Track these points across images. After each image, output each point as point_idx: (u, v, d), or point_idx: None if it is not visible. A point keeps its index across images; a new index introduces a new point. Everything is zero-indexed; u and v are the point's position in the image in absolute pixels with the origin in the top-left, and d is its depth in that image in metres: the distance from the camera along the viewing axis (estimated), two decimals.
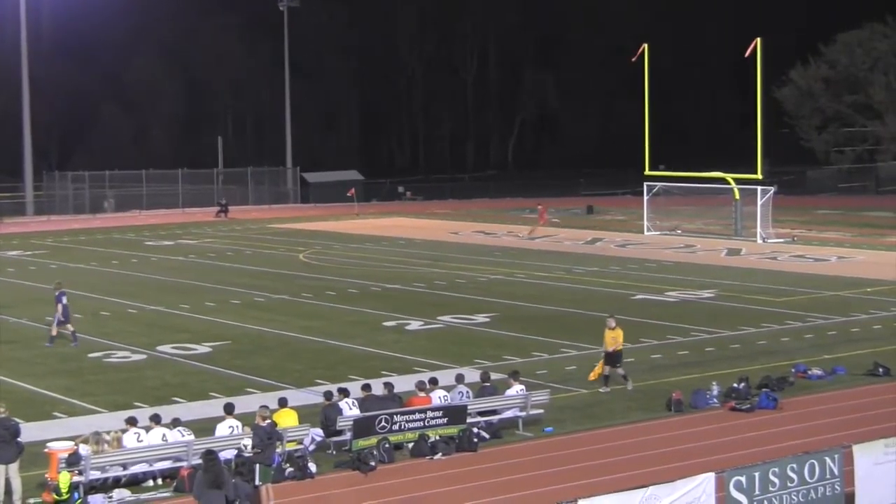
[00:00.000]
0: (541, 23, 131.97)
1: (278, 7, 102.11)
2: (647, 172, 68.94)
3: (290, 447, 23.62)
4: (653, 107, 68.24)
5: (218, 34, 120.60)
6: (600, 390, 29.66)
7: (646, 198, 69.40)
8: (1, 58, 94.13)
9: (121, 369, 33.26)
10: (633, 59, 68.66)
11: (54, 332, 36.47)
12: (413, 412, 25.04)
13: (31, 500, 21.88)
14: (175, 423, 23.80)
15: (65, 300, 36.59)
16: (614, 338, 29.92)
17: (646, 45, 67.83)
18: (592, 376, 30.52)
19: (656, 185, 69.49)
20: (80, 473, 21.78)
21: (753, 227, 64.07)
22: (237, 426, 23.55)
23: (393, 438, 24.42)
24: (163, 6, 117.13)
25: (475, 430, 25.43)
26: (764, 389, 28.76)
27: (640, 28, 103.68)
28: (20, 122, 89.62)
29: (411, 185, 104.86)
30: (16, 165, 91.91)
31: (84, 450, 22.17)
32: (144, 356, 34.80)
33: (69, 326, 36.60)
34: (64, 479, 21.43)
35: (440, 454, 24.44)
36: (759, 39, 62.88)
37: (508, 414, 26.50)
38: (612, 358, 29.93)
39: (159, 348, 35.71)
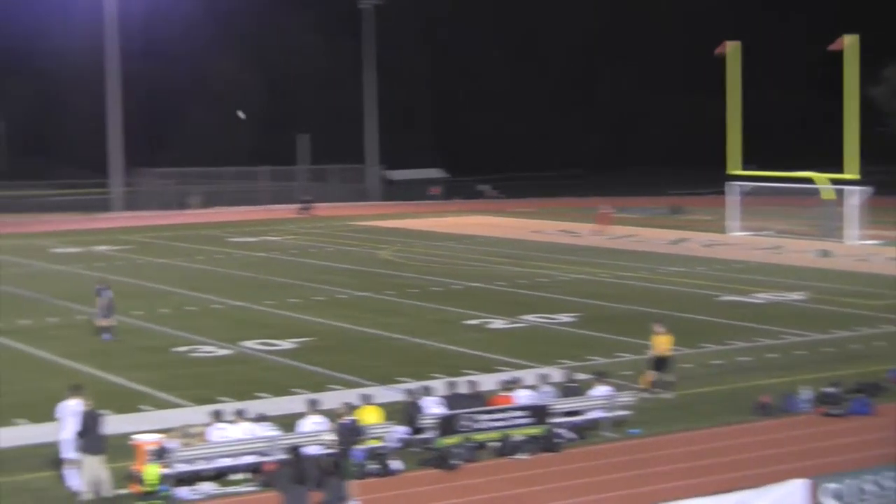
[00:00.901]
0: (623, 17, 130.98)
1: (360, 6, 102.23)
2: (733, 171, 68.03)
3: (373, 444, 23.47)
4: (739, 104, 67.31)
5: (300, 31, 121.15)
6: (647, 396, 28.95)
7: (732, 197, 68.51)
8: (90, 57, 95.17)
9: (205, 364, 33.39)
10: (718, 53, 67.75)
11: (104, 324, 36.81)
12: (496, 411, 24.84)
13: (119, 492, 21.92)
14: (259, 417, 23.78)
15: (109, 294, 36.95)
16: (663, 343, 29.44)
17: (732, 42, 66.95)
18: (644, 384, 29.72)
19: (744, 185, 68.56)
20: (169, 466, 21.80)
21: (845, 228, 62.94)
22: (321, 422, 23.46)
23: (476, 437, 24.20)
24: (247, 4, 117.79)
25: (559, 430, 25.12)
26: (858, 394, 28.06)
27: (725, 21, 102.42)
28: (110, 119, 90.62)
29: (494, 182, 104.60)
30: (105, 162, 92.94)
31: (172, 443, 22.20)
32: (229, 351, 34.91)
33: (107, 321, 36.91)
34: (152, 472, 21.48)
35: (523, 454, 24.18)
36: (849, 36, 61.79)
37: (593, 415, 26.15)
38: (661, 364, 29.40)
39: (243, 343, 35.79)
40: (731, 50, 67.20)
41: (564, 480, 22.70)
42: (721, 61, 67.70)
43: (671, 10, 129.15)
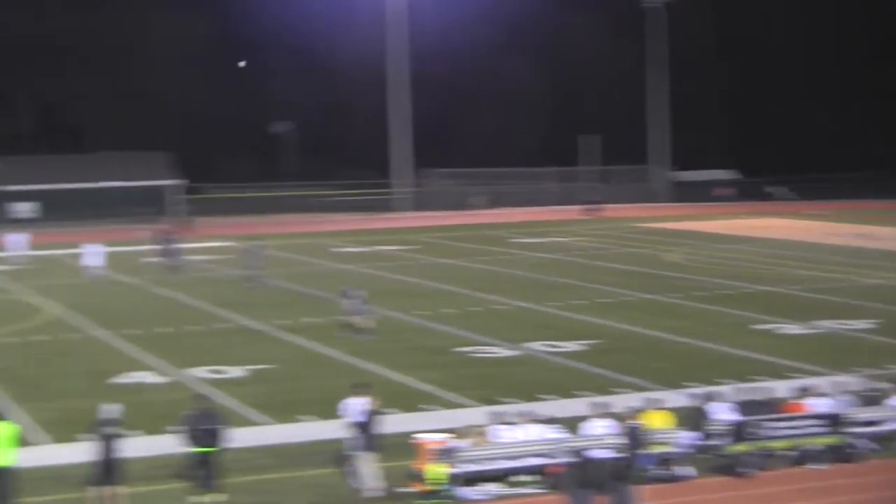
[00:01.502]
0: None
1: (644, 5, 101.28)
2: None
3: (660, 449, 22.70)
4: None
5: (588, 31, 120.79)
6: None
7: None
8: (377, 58, 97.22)
9: (488, 364, 33.22)
10: None
11: (361, 325, 37.19)
12: (788, 419, 23.75)
13: (400, 490, 21.82)
14: (542, 419, 23.33)
15: (358, 296, 37.58)
16: None
17: None
18: None
19: None
20: (454, 465, 21.57)
21: None
22: (607, 425, 22.82)
23: (766, 445, 23.13)
24: (533, 5, 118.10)
25: (856, 440, 23.74)
26: None
27: None
28: (392, 120, 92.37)
29: (787, 184, 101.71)
30: (394, 163, 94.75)
31: (460, 443, 21.97)
32: (512, 352, 34.65)
33: (358, 320, 37.30)
34: (436, 471, 21.32)
35: (818, 464, 23.01)
36: None
37: (894, 425, 24.61)
38: None
39: (527, 345, 35.47)
40: None
41: (863, 493, 21.49)
42: None
43: None
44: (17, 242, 60.28)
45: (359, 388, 22.86)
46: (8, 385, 31.23)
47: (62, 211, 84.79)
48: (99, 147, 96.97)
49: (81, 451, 21.66)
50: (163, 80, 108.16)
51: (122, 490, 20.91)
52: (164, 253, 55.70)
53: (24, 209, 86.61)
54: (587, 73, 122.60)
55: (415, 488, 21.67)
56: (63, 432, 25.96)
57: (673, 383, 29.83)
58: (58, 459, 23.90)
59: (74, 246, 57.74)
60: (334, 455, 22.99)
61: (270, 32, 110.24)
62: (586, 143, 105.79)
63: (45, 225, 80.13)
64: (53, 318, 42.49)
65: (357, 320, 37.47)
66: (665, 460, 22.60)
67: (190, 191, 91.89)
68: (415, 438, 22.52)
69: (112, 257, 56.42)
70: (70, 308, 44.45)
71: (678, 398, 27.29)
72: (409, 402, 28.45)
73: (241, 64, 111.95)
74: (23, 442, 22.08)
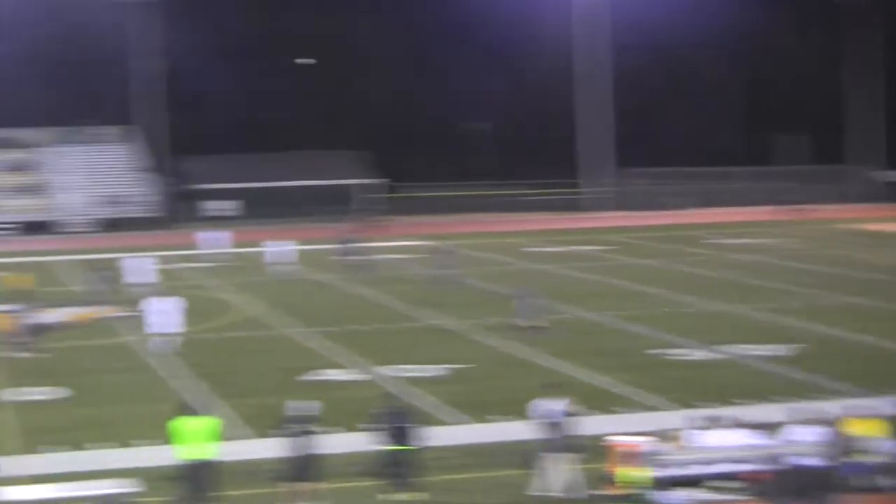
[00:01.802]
0: None
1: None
2: None
3: (867, 458, 21.86)
4: None
5: (784, 29, 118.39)
6: None
7: None
8: (573, 55, 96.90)
9: (683, 366, 32.65)
10: None
11: (534, 325, 37.07)
12: None
13: (592, 493, 21.50)
14: (743, 424, 22.68)
15: (526, 297, 37.65)
16: None
17: None
18: None
19: None
20: (656, 469, 21.19)
21: None
22: (810, 432, 22.09)
23: None
24: (727, 3, 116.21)
25: None
26: None
27: None
28: (591, 117, 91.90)
29: None
30: (584, 162, 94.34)
31: (658, 446, 21.58)
32: (708, 354, 33.98)
33: (529, 322, 37.21)
34: (629, 474, 20.98)
35: None
36: None
37: None
38: None
39: (724, 347, 34.76)
40: None
41: None
42: None
43: None
44: (217, 240, 61.71)
45: (549, 389, 22.62)
46: (205, 380, 31.89)
47: (262, 209, 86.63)
48: (294, 146, 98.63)
49: (278, 447, 21.90)
50: (361, 79, 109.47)
51: (321, 486, 21.05)
52: (346, 252, 56.21)
53: (224, 207, 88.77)
54: (786, 71, 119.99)
55: (607, 491, 21.35)
56: (262, 427, 26.31)
57: (878, 390, 28.72)
58: (258, 454, 24.19)
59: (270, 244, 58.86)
60: (525, 456, 22.78)
61: (466, 31, 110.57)
62: (786, 142, 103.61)
63: (245, 223, 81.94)
64: (247, 315, 43.31)
65: (528, 321, 37.27)
66: (871, 469, 21.79)
67: (387, 190, 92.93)
68: (607, 441, 22.19)
69: (306, 255, 57.33)
70: (264, 304, 45.26)
71: (884, 406, 26.32)
72: (603, 403, 28.09)
73: (304, 61, 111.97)
74: (223, 436, 22.42)
